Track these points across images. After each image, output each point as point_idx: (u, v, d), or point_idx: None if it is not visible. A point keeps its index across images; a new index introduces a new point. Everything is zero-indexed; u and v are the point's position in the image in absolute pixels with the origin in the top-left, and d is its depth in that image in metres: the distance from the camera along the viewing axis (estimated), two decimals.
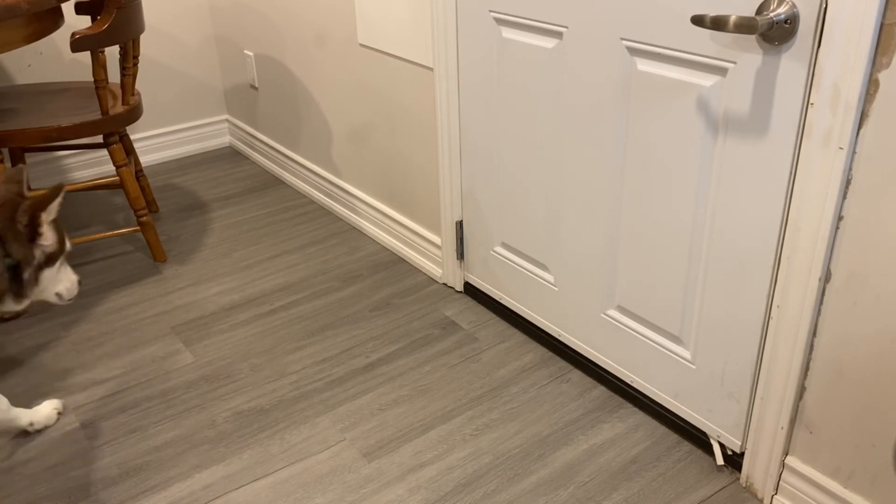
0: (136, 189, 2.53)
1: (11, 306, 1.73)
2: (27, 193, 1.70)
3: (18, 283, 1.67)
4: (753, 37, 1.36)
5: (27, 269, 1.67)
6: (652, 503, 1.65)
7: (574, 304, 2.01)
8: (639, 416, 1.89)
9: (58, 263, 1.76)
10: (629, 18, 1.58)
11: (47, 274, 1.73)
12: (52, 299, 1.81)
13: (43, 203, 1.66)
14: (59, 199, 1.69)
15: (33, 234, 1.67)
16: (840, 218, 1.34)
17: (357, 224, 2.84)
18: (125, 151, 2.64)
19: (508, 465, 1.76)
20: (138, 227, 2.59)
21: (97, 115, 2.36)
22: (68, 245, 1.80)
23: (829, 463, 1.51)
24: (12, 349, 2.19)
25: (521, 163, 2.01)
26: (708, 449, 1.76)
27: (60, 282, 1.80)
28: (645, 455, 1.77)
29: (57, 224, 1.74)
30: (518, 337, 2.20)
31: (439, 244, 2.44)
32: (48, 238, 1.70)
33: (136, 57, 2.46)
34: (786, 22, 1.29)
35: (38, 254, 1.69)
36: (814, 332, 1.45)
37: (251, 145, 3.47)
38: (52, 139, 2.32)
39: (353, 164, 2.81)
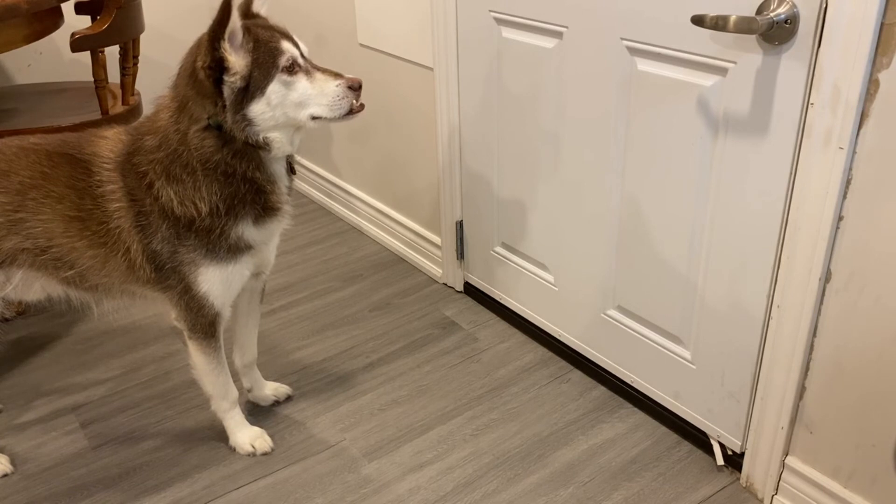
0: None
1: (284, 188, 1.48)
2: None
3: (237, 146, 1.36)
4: (753, 37, 1.36)
5: (235, 114, 1.36)
6: (652, 503, 1.65)
7: (574, 304, 2.00)
8: (639, 416, 1.88)
9: (275, 82, 1.38)
10: (629, 18, 1.58)
11: (274, 98, 1.38)
12: (312, 124, 1.43)
13: (219, 28, 1.32)
14: (234, 16, 1.32)
15: (219, 70, 1.35)
16: (840, 218, 1.34)
17: (357, 224, 2.84)
18: None
19: (508, 465, 1.75)
20: None
21: (97, 115, 2.35)
22: (287, 48, 1.39)
23: (830, 463, 1.51)
24: (12, 349, 2.19)
25: (521, 163, 2.01)
26: (708, 449, 1.76)
27: (305, 100, 1.38)
28: (645, 455, 1.77)
29: (251, 34, 1.36)
30: (518, 337, 2.20)
31: (439, 244, 2.43)
32: (236, 64, 1.35)
33: (136, 57, 2.46)
34: (786, 22, 1.29)
35: (228, 92, 1.36)
36: (814, 332, 1.45)
37: None
38: None
39: (353, 164, 2.81)
